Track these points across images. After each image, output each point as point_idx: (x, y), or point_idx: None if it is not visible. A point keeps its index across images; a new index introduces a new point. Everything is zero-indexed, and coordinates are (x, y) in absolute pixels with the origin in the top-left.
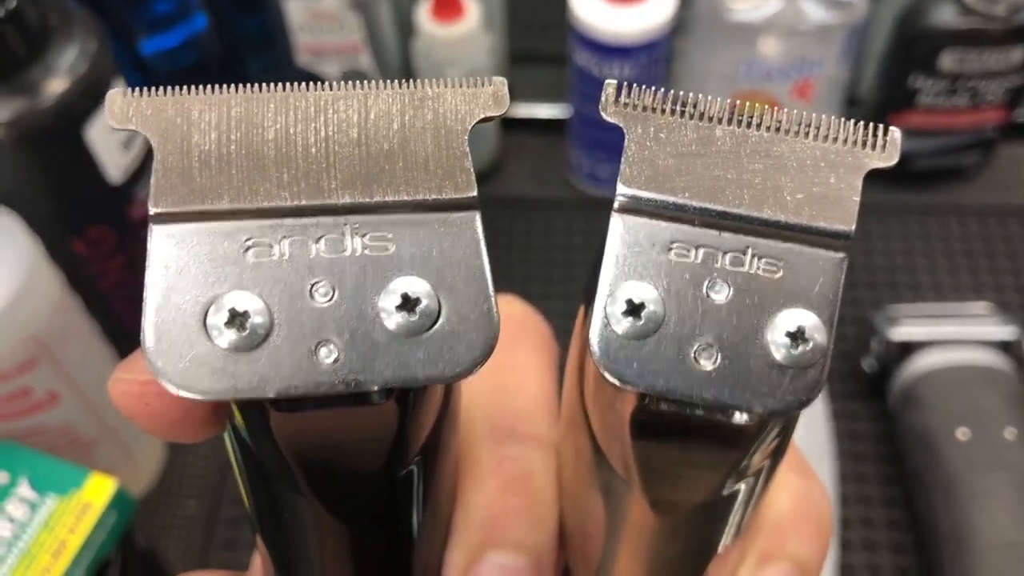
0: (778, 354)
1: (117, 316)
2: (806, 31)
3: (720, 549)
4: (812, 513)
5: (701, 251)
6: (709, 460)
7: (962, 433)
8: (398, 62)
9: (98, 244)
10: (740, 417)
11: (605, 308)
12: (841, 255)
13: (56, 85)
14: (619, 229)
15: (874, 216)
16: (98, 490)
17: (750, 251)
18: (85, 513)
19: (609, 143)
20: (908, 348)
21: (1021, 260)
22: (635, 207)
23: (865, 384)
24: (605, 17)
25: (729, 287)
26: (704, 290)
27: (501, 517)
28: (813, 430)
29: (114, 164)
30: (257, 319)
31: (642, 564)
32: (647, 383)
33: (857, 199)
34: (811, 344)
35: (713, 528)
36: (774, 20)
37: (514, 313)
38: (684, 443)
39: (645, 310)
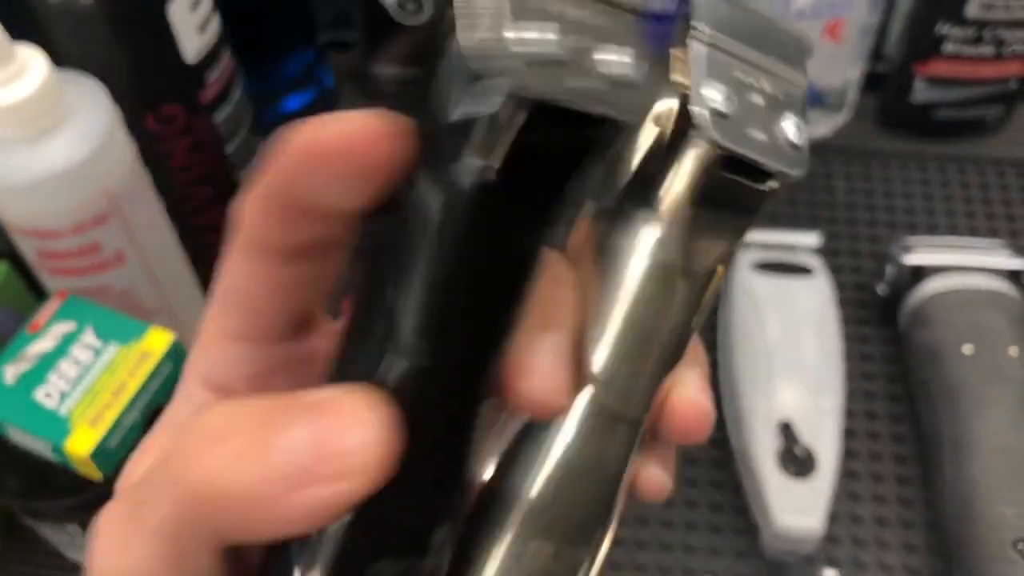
0: (793, 138)
1: (180, 197)
2: None
3: (690, 343)
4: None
5: (747, 77)
6: (732, 224)
7: (968, 348)
8: None
9: (169, 123)
10: (768, 183)
11: (700, 91)
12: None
13: None
14: (701, 51)
15: (896, 161)
16: (157, 341)
17: (766, 81)
18: (144, 360)
19: None
20: (920, 273)
21: None
22: (708, 42)
23: (878, 311)
24: None
25: (761, 98)
26: (749, 96)
27: (552, 305)
28: (828, 350)
29: (191, 44)
30: (552, 47)
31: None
32: (733, 143)
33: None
34: (806, 133)
35: (692, 312)
36: None
37: None
38: (724, 204)
39: (723, 101)
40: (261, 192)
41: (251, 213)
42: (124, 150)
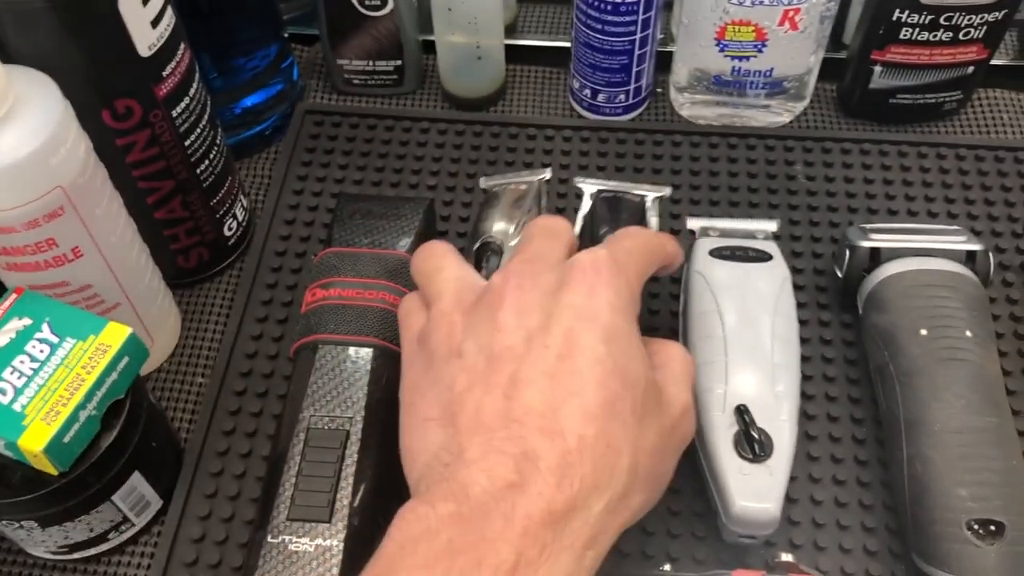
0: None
1: (141, 191)
2: None
3: None
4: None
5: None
6: None
7: (924, 331)
8: None
9: (125, 117)
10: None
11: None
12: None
13: None
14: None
15: (856, 148)
16: (114, 335)
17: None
18: (100, 355)
19: (608, 69)
20: (877, 256)
21: (996, 193)
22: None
23: (837, 295)
24: None
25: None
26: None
27: None
28: (785, 335)
29: (144, 38)
30: None
31: None
32: None
33: None
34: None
35: None
36: None
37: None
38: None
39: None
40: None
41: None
42: (77, 144)
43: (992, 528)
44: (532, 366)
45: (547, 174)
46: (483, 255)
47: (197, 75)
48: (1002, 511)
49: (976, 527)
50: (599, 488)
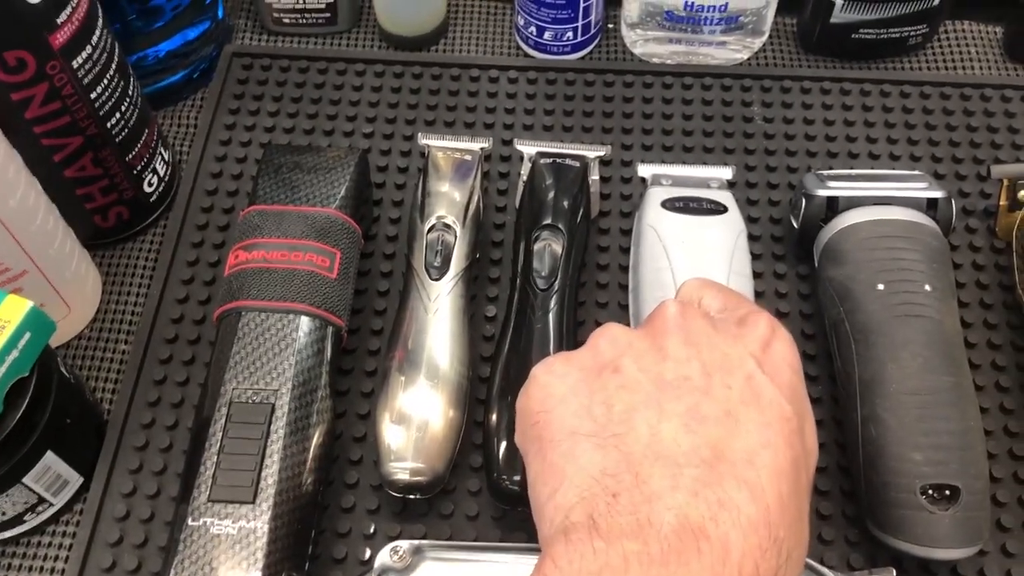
0: None
1: (46, 149)
2: None
3: None
4: None
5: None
6: None
7: (881, 286)
8: None
9: (17, 70)
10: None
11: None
12: None
13: None
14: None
15: (817, 86)
16: (12, 310)
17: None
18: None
19: (553, 5)
20: (835, 205)
21: (961, 133)
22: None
23: (793, 246)
24: None
25: None
26: None
27: None
28: (738, 288)
29: None
30: None
31: None
32: None
33: None
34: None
35: None
36: None
37: None
38: None
39: None
40: None
41: None
42: None
43: (947, 493)
44: (716, 404)
45: (488, 143)
46: (438, 234)
47: (100, 21)
48: (957, 475)
49: (931, 492)
50: (792, 559)
